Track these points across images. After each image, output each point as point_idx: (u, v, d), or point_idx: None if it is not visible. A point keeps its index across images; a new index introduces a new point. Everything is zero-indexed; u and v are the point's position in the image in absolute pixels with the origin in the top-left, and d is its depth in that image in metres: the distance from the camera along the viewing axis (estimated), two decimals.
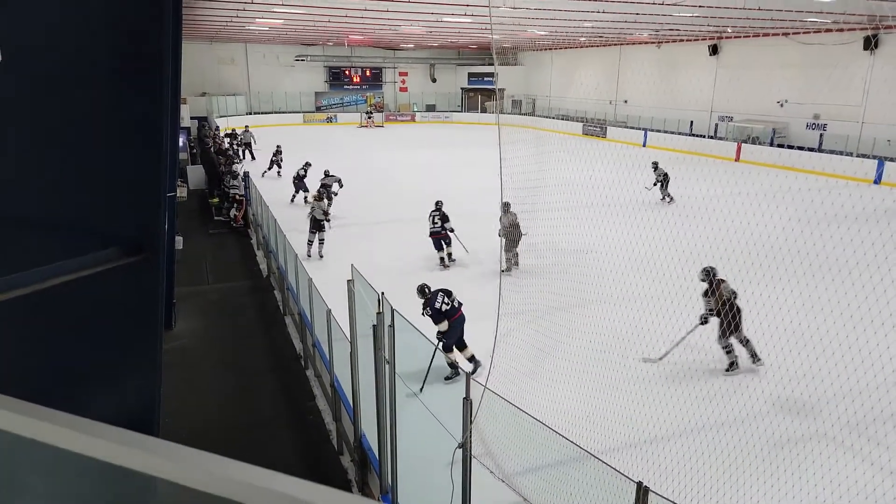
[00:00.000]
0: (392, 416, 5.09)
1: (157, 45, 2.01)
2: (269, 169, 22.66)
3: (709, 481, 5.65)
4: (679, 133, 30.35)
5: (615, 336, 8.78)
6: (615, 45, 35.97)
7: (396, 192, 19.30)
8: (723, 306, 7.81)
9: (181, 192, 18.33)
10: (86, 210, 2.28)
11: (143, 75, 2.05)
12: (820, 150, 24.08)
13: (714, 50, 29.60)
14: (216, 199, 17.52)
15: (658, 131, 31.15)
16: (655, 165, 18.00)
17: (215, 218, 17.13)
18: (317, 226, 12.81)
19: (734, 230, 14.42)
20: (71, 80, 2.07)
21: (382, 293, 4.95)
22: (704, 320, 8.19)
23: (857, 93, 23.24)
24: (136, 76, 2.06)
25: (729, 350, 8.04)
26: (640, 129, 32.48)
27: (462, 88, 47.02)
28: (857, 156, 22.18)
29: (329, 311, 6.91)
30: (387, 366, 5.08)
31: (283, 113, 41.29)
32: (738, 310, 7.97)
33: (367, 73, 45.01)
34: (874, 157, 21.38)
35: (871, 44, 22.45)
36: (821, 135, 24.73)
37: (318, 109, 43.69)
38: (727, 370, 8.05)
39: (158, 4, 1.98)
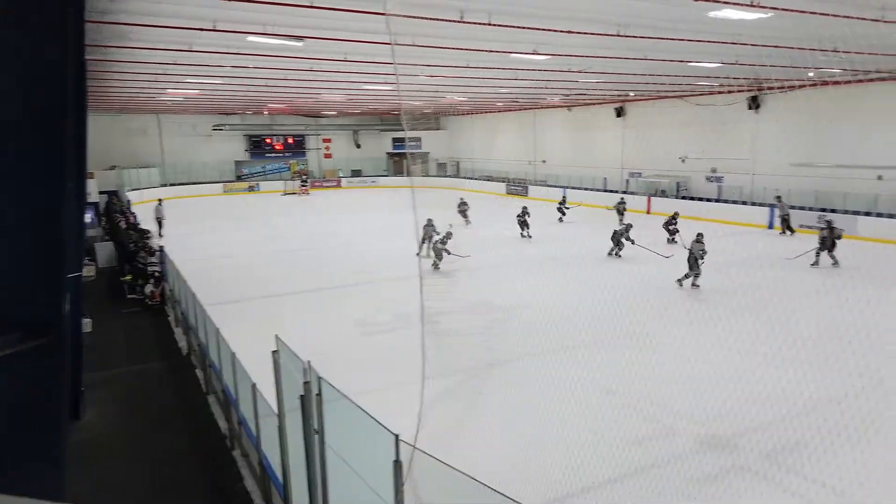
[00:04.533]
0: (324, 489, 4.92)
1: (55, 122, 2.00)
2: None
3: None
4: (595, 189, 32.02)
5: (544, 388, 8.93)
6: (530, 108, 38.03)
7: (322, 260, 19.14)
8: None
9: (88, 271, 17.39)
10: None
11: (41, 154, 2.03)
12: (718, 200, 26.04)
13: (619, 112, 31.85)
14: (129, 277, 16.70)
15: (576, 188, 32.74)
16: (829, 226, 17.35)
17: (128, 296, 16.27)
18: None
19: (657, 277, 15.22)
20: None
21: (309, 362, 4.88)
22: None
23: (747, 147, 25.51)
24: (34, 155, 2.03)
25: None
26: (559, 186, 34.03)
27: (387, 153, 47.97)
28: (751, 204, 24.10)
29: (254, 385, 6.67)
30: (316, 436, 4.94)
31: (202, 184, 40.39)
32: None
33: (290, 141, 45.13)
34: (766, 205, 23.31)
35: (754, 104, 24.88)
36: (719, 186, 26.80)
37: (239, 178, 43.16)
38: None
39: (58, 79, 1.98)
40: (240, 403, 7.90)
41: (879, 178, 21.09)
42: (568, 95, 29.76)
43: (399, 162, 47.21)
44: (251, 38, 12.27)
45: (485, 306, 13.23)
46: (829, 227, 16.25)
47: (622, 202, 24.90)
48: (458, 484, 4.85)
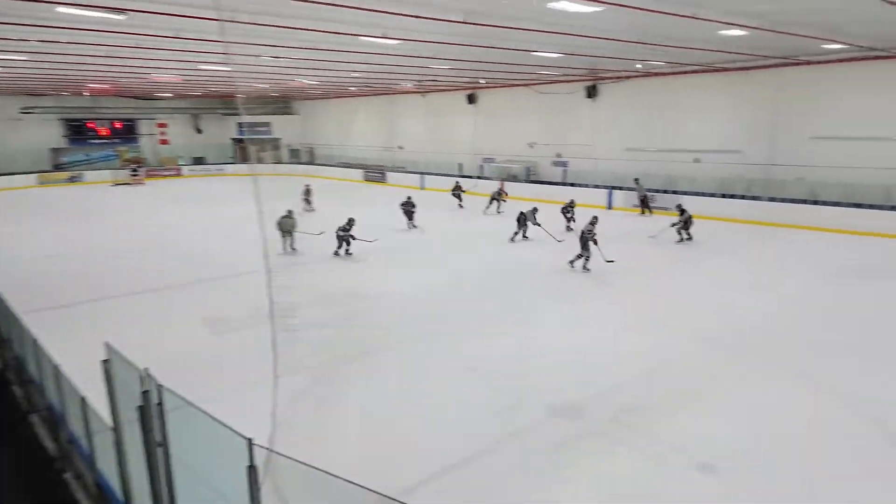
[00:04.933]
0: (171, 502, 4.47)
1: None
2: None
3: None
4: (451, 175, 32.71)
5: (408, 374, 8.97)
6: (385, 94, 37.80)
7: (162, 256, 17.55)
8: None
9: None
10: None
11: None
12: (564, 183, 27.87)
13: (471, 99, 32.74)
14: None
15: (434, 174, 33.21)
16: (679, 207, 18.63)
17: None
18: None
19: (546, 261, 15.86)
20: None
21: (146, 369, 4.38)
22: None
23: (587, 133, 27.49)
24: None
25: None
26: (417, 172, 34.32)
27: (233, 139, 45.16)
28: (593, 186, 26.09)
29: (83, 399, 5.91)
30: (160, 449, 4.47)
31: (12, 174, 35.16)
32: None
33: (118, 126, 40.69)
34: (605, 187, 25.37)
35: (591, 92, 26.84)
36: (564, 170, 28.66)
37: (58, 168, 38.22)
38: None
39: None
40: (69, 420, 6.99)
41: (696, 160, 23.79)
42: (421, 81, 29.99)
43: (246, 149, 44.67)
44: (61, 8, 10.77)
45: (349, 296, 12.97)
46: (681, 208, 18.01)
47: (458, 186, 26.05)
48: (320, 483, 4.65)
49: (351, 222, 16.46)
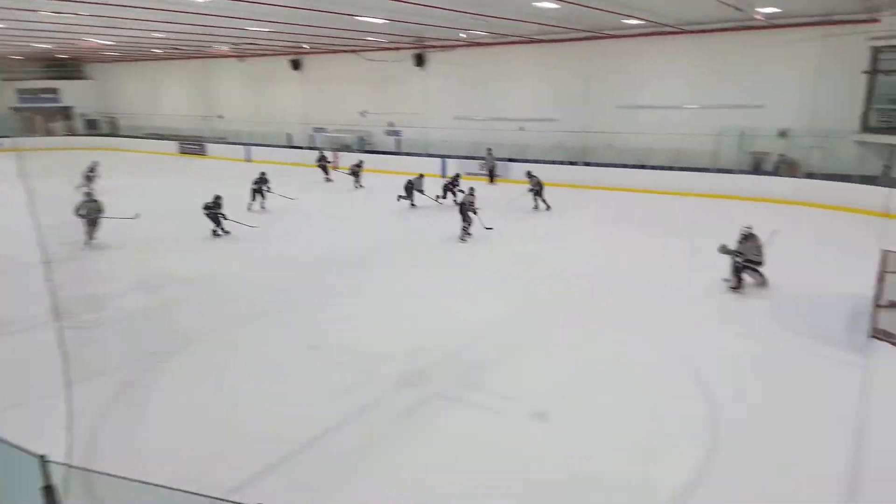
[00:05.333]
0: None
1: None
2: None
3: (346, 479, 5.73)
4: (280, 146, 31.04)
5: (242, 359, 8.30)
6: (198, 57, 34.53)
7: None
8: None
9: None
10: None
11: None
12: (399, 153, 27.83)
13: (296, 65, 31.12)
14: None
15: (260, 145, 31.25)
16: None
17: None
18: None
19: (358, 230, 15.42)
20: None
21: None
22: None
23: (417, 102, 27.58)
24: None
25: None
26: (241, 144, 32.04)
27: (12, 108, 38.39)
28: (426, 155, 26.36)
29: None
30: None
31: None
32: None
33: None
34: (438, 156, 25.74)
35: (419, 61, 26.87)
36: (397, 140, 28.59)
37: None
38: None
39: None
40: None
41: (521, 128, 25.03)
42: (238, 45, 27.80)
43: (32, 118, 38.36)
44: None
45: (174, 281, 11.69)
46: (530, 174, 18.13)
47: (323, 157, 24.97)
48: (138, 493, 4.04)
49: (218, 200, 14.84)
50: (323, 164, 24.72)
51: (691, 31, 20.23)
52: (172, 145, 34.76)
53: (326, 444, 6.29)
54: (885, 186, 16.06)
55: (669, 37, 20.80)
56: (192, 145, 34.07)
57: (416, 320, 9.69)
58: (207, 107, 35.94)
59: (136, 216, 14.75)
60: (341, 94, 30.07)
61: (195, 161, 32.02)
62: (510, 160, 23.88)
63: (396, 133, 28.74)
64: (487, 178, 23.47)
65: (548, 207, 17.84)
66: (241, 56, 32.82)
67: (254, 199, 18.05)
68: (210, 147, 33.29)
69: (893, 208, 15.47)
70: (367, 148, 29.04)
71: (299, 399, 7.25)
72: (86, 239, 13.93)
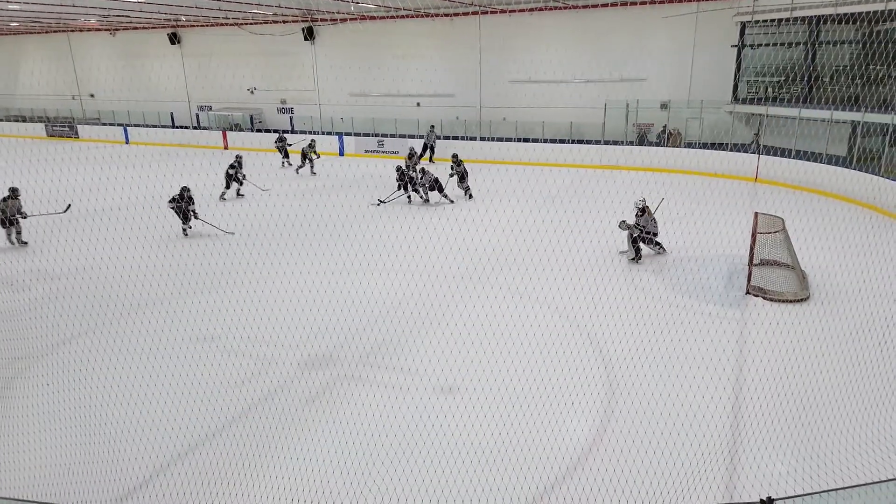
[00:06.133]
0: None
1: None
2: None
3: (263, 463, 5.46)
4: (162, 126, 28.93)
5: (114, 361, 7.66)
6: (62, 31, 31.26)
7: None
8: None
9: None
10: None
11: None
12: (293, 131, 26.77)
13: (174, 39, 28.97)
14: None
15: (140, 126, 28.97)
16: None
17: None
18: None
19: (273, 218, 14.64)
20: None
21: None
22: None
23: (309, 79, 26.60)
24: None
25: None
26: (118, 125, 29.53)
27: None
28: (323, 133, 25.56)
29: None
30: None
31: None
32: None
33: None
34: (336, 134, 25.04)
35: (309, 35, 25.84)
36: (290, 117, 27.48)
37: None
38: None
39: None
40: None
41: (418, 104, 24.83)
42: (107, 17, 25.41)
43: None
44: None
45: (45, 278, 10.54)
46: (457, 159, 16.92)
47: (282, 139, 22.13)
48: None
49: (185, 191, 13.22)
50: (281, 145, 21.97)
51: (575, 7, 20.82)
52: (38, 128, 31.42)
53: (225, 439, 5.95)
54: (755, 153, 17.46)
55: (555, 11, 21.32)
56: (62, 127, 30.97)
57: (319, 302, 9.38)
58: (76, 85, 32.75)
59: (67, 209, 12.91)
60: (227, 70, 28.37)
61: (66, 144, 29.16)
62: (406, 136, 23.66)
63: (289, 111, 27.62)
64: (427, 157, 22.16)
65: (470, 197, 16.68)
66: (111, 29, 30.07)
67: (228, 186, 16.55)
68: (82, 129, 30.43)
69: (763, 173, 16.88)
70: (259, 127, 27.73)
71: (194, 395, 6.78)
72: (10, 242, 12.37)
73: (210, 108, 28.86)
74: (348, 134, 24.90)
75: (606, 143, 20.90)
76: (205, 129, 27.84)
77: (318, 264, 11.24)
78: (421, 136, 23.16)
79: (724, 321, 8.51)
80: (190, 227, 13.37)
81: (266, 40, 26.74)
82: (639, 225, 10.83)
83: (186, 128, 28.23)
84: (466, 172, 16.76)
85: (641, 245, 11.08)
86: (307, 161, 20.23)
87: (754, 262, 9.78)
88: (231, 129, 27.14)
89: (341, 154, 24.55)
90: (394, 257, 11.63)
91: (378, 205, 14.20)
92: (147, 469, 5.43)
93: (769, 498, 2.83)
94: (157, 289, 9.95)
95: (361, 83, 25.87)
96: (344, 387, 6.94)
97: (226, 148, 26.34)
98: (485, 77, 23.51)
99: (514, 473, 5.40)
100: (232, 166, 16.49)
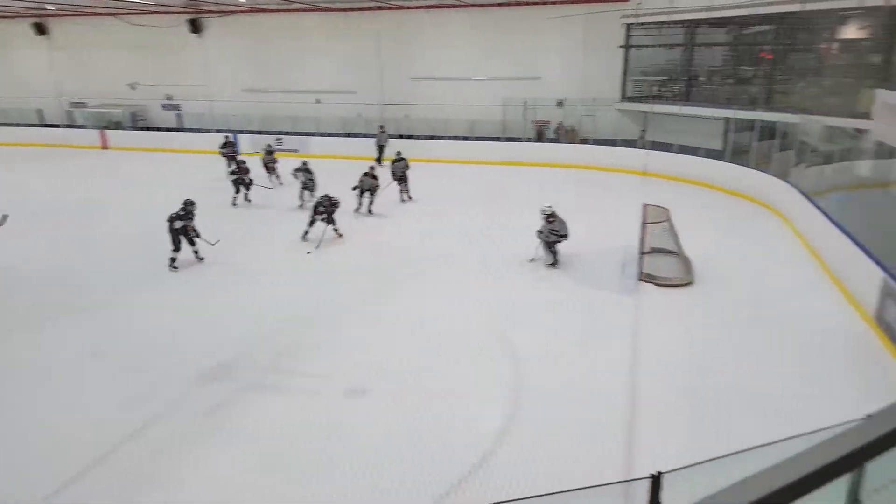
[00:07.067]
0: None
1: None
2: None
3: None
4: (29, 125, 26.27)
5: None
6: None
7: None
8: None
9: None
10: None
11: None
12: (181, 129, 25.21)
13: (41, 30, 26.38)
14: None
15: (3, 125, 26.13)
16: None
17: None
18: None
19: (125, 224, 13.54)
20: None
21: None
22: None
23: (198, 74, 25.15)
24: None
25: None
26: None
27: None
28: (215, 131, 24.26)
29: None
30: None
31: None
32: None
33: None
34: (229, 131, 23.78)
35: (196, 27, 24.41)
36: (178, 115, 25.85)
37: None
38: None
39: None
40: None
41: (318, 101, 24.18)
42: None
43: None
44: None
45: None
46: (400, 156, 15.83)
47: (228, 143, 19.32)
48: None
49: (189, 205, 10.84)
50: (230, 152, 18.63)
51: (472, 5, 21.12)
52: None
53: (118, 459, 5.48)
54: (642, 149, 18.54)
55: (452, 9, 21.51)
56: None
57: (215, 311, 8.87)
58: None
59: (5, 218, 10.92)
60: (103, 64, 26.22)
61: None
62: (306, 133, 23.00)
63: (176, 107, 25.99)
64: (375, 158, 20.23)
65: (409, 198, 15.68)
66: None
67: (238, 191, 15.10)
68: None
69: (650, 167, 17.95)
70: (142, 124, 25.88)
71: (84, 414, 6.20)
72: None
73: (85, 105, 26.56)
74: (243, 132, 23.80)
75: (508, 139, 21.38)
76: (79, 127, 25.58)
77: (211, 270, 10.64)
78: (326, 134, 22.64)
79: (619, 308, 8.94)
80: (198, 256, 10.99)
81: (148, 32, 24.94)
82: (554, 231, 10.62)
83: (58, 126, 25.82)
84: (405, 175, 15.63)
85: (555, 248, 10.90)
86: (270, 172, 17.32)
87: (644, 250, 10.36)
88: (110, 128, 25.10)
89: (237, 153, 23.40)
90: (295, 261, 11.24)
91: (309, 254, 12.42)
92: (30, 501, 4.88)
93: (658, 473, 2.97)
94: (34, 302, 9.01)
95: (255, 78, 24.81)
96: (245, 398, 6.60)
97: (105, 148, 24.36)
98: (386, 74, 23.31)
99: (426, 469, 5.36)
100: (234, 172, 15.18)
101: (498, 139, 21.49)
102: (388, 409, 6.32)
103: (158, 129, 25.34)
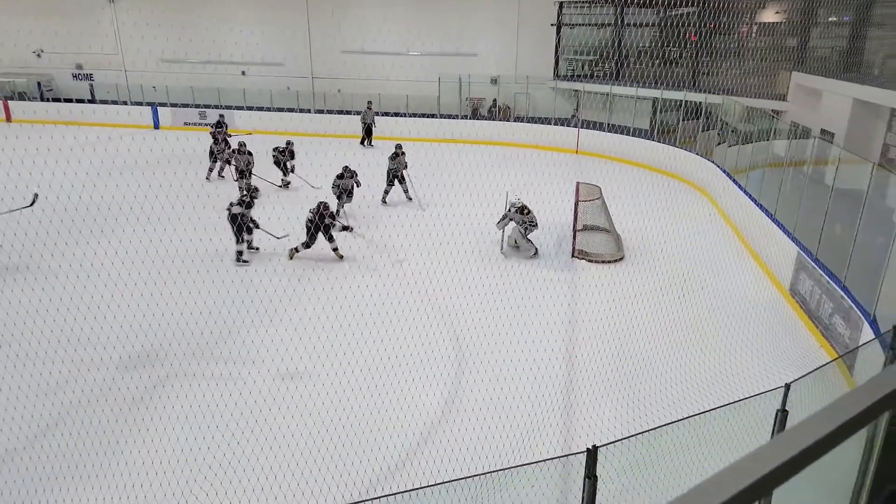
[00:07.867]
0: None
1: None
2: None
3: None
4: None
5: None
6: None
7: None
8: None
9: None
10: None
11: None
12: (93, 101, 23.52)
13: None
14: None
15: None
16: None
17: None
18: None
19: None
20: None
21: None
22: None
23: (111, 42, 23.47)
24: None
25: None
26: None
27: None
28: (132, 104, 22.80)
29: None
30: None
31: None
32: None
33: None
34: (148, 104, 22.43)
35: None
36: (90, 85, 24.09)
37: None
38: None
39: None
40: None
41: (243, 73, 23.10)
42: None
43: None
44: None
45: None
46: (400, 151, 13.91)
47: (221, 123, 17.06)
48: None
49: (252, 191, 9.96)
50: (219, 132, 16.25)
51: None
52: None
53: (35, 453, 5.07)
54: (575, 127, 18.83)
55: None
56: None
57: (138, 296, 8.35)
58: None
59: (35, 197, 9.43)
60: (4, 28, 24.00)
61: None
62: (228, 107, 21.96)
63: (88, 77, 24.20)
64: (361, 139, 19.62)
65: (409, 198, 13.87)
66: None
67: (285, 173, 14.39)
68: None
69: (582, 145, 18.27)
70: (50, 95, 23.96)
71: None
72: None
73: None
74: (164, 105, 22.47)
75: (443, 116, 21.17)
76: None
77: (133, 253, 10.00)
78: (262, 109, 21.66)
79: (555, 284, 9.08)
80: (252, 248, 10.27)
81: None
82: (526, 221, 10.42)
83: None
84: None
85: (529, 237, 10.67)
86: (284, 170, 14.88)
87: (578, 227, 10.54)
88: (13, 99, 23.09)
89: (156, 127, 22.14)
90: (224, 241, 10.73)
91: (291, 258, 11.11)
92: None
93: (594, 446, 3.00)
94: None
95: (175, 48, 23.32)
96: (173, 384, 6.27)
97: (8, 120, 22.44)
98: (315, 46, 22.52)
99: (365, 451, 5.27)
100: (281, 151, 14.08)
101: (433, 116, 21.25)
102: (325, 393, 6.16)
103: (69, 101, 23.51)
